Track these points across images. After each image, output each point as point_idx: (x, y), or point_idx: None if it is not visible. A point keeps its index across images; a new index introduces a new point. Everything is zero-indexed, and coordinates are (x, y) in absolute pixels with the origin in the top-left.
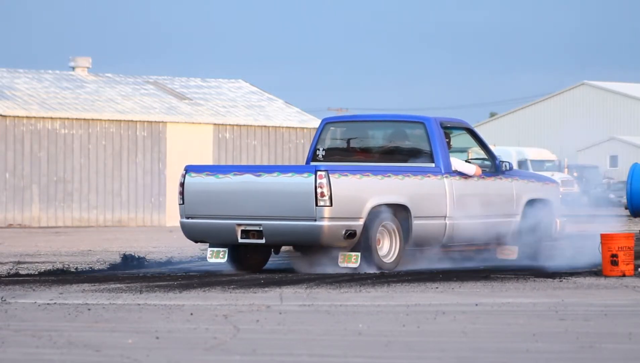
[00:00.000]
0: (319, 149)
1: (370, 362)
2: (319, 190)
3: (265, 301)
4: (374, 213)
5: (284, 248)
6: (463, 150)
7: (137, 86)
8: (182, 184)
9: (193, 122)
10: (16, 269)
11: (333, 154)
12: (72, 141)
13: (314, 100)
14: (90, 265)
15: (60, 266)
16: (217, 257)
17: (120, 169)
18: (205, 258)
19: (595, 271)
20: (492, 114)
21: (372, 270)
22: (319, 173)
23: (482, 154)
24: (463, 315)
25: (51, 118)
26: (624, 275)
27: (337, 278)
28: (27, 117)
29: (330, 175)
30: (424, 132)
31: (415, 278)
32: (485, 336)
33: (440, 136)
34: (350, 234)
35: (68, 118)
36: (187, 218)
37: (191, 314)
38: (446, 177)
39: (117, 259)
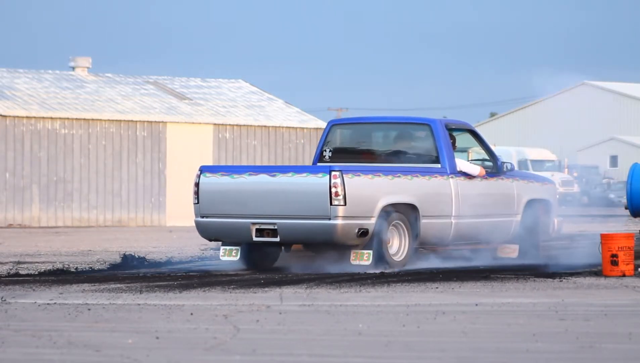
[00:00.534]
0: (325, 151)
1: (370, 362)
2: (333, 190)
3: (265, 301)
4: (385, 212)
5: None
6: (463, 150)
7: (137, 86)
8: (197, 184)
9: (193, 122)
10: (16, 269)
11: (339, 155)
12: (72, 141)
13: (314, 100)
14: (90, 265)
15: (60, 266)
16: (230, 255)
17: (120, 169)
18: (205, 258)
19: (595, 271)
20: (492, 114)
21: (383, 268)
22: (333, 173)
23: (482, 154)
24: (463, 315)
25: (51, 118)
26: (624, 275)
27: (337, 278)
28: (27, 117)
29: (344, 175)
30: (429, 133)
31: (415, 278)
32: (485, 336)
33: (445, 137)
34: (363, 232)
35: (68, 118)
36: (202, 217)
37: (191, 314)
38: (452, 177)
39: (117, 259)
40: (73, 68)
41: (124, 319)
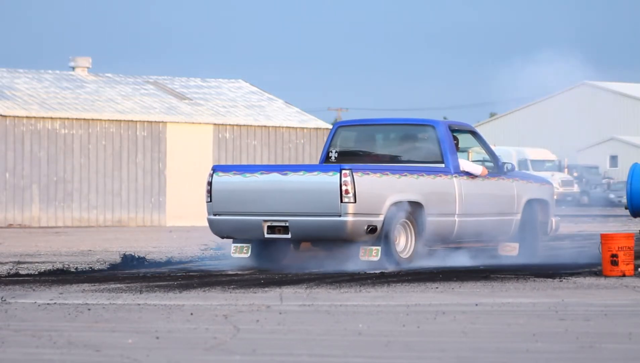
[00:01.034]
0: (331, 152)
1: (370, 362)
2: (343, 187)
3: (265, 301)
4: (393, 209)
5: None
6: (463, 150)
7: (137, 86)
8: (209, 183)
9: (193, 122)
10: (16, 269)
11: (345, 156)
12: (72, 141)
13: (314, 100)
14: (90, 265)
15: (60, 266)
16: (241, 252)
17: (120, 169)
18: (205, 258)
19: (595, 271)
20: (492, 114)
21: (391, 264)
22: (343, 171)
23: (483, 154)
24: (463, 315)
25: (51, 118)
26: (624, 275)
27: (337, 278)
28: (27, 117)
29: (354, 173)
30: (434, 134)
31: (415, 278)
32: (485, 336)
33: (449, 138)
34: (372, 229)
35: (68, 118)
36: (215, 215)
37: (191, 314)
38: (455, 177)
39: (117, 259)
40: (73, 68)
41: (124, 319)
